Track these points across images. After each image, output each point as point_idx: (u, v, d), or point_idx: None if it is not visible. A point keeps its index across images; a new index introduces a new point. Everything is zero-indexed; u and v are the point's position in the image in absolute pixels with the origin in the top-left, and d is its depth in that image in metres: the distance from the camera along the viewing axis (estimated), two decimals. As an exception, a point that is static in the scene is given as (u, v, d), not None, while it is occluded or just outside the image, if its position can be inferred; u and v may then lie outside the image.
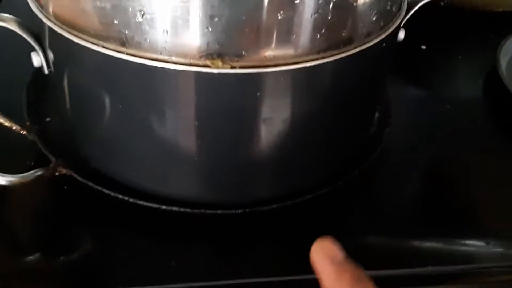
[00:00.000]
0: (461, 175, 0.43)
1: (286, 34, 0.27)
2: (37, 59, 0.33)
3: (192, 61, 0.27)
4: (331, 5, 0.27)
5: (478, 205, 0.40)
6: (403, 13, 0.35)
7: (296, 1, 0.26)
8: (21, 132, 0.38)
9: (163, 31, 0.26)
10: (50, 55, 0.32)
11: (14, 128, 0.37)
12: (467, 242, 0.37)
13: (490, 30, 0.59)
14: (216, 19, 0.26)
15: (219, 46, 0.27)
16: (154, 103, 0.29)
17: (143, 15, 0.26)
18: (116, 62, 0.28)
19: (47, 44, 0.32)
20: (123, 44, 0.27)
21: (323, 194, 0.36)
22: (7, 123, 0.37)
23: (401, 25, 0.35)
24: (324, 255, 0.22)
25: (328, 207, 0.37)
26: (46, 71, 0.33)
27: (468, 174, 0.43)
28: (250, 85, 0.28)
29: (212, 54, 0.27)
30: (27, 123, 0.38)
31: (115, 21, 0.27)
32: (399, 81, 0.52)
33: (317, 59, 0.29)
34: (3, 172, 0.34)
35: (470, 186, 0.41)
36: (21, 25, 0.32)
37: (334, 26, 0.28)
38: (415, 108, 0.49)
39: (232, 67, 0.27)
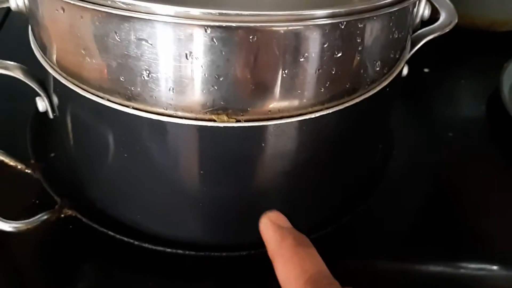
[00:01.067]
0: (467, 201, 0.43)
1: (291, 89, 0.27)
2: (42, 104, 0.33)
3: (198, 116, 0.27)
4: (334, 61, 0.27)
5: (484, 230, 0.40)
6: (407, 54, 0.35)
7: (300, 59, 0.26)
8: (26, 170, 0.38)
9: (169, 89, 0.26)
10: (55, 100, 0.33)
11: (19, 167, 0.38)
12: (474, 266, 0.37)
13: (494, 51, 0.59)
14: (222, 78, 0.26)
15: (224, 103, 0.27)
16: (159, 155, 0.29)
17: (148, 74, 0.26)
18: (121, 115, 0.28)
19: (51, 90, 0.32)
20: (128, 98, 0.27)
21: (326, 233, 0.36)
22: (11, 163, 0.37)
23: (405, 64, 0.35)
24: (271, 223, 0.23)
25: (332, 246, 0.37)
26: (51, 115, 0.33)
27: (474, 200, 0.43)
28: (255, 137, 0.29)
29: (217, 109, 0.27)
30: (32, 161, 0.39)
31: (121, 78, 0.27)
32: (402, 106, 0.52)
33: (321, 109, 0.29)
34: (9, 213, 0.34)
35: (476, 212, 0.42)
36: (25, 72, 0.32)
37: (338, 79, 0.28)
38: (417, 135, 0.49)
39: (237, 121, 0.27)
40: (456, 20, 0.39)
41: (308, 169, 0.31)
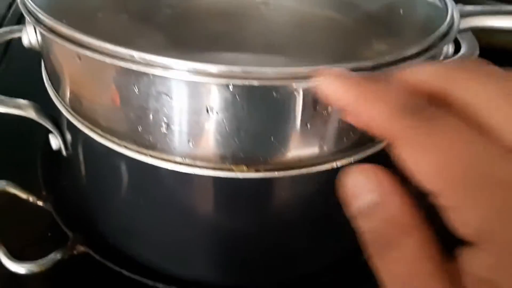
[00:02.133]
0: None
1: (312, 140, 0.26)
2: (55, 142, 0.32)
3: (216, 166, 0.27)
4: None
5: None
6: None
7: (323, 112, 0.25)
8: (37, 202, 0.37)
9: (188, 141, 0.26)
10: (68, 138, 0.32)
11: (30, 199, 0.37)
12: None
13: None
14: (242, 132, 0.25)
15: (244, 154, 0.26)
16: (175, 201, 0.29)
17: (168, 127, 0.25)
18: (138, 162, 0.27)
19: (65, 129, 0.31)
20: (146, 147, 0.27)
21: (342, 273, 0.35)
22: (23, 195, 0.37)
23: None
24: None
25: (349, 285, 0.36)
26: (64, 153, 0.33)
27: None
28: (274, 187, 0.28)
29: (236, 160, 0.26)
30: (43, 193, 0.38)
31: (139, 128, 0.26)
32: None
33: (343, 158, 0.28)
34: (21, 248, 0.33)
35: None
36: (38, 111, 0.31)
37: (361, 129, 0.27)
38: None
39: (257, 171, 0.27)
40: (478, 52, 0.38)
41: (328, 215, 0.31)
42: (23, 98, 0.32)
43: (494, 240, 0.14)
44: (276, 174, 0.27)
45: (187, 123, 0.25)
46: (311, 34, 0.34)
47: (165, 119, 0.25)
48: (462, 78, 0.17)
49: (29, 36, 0.30)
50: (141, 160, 0.27)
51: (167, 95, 0.24)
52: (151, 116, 0.25)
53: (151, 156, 0.27)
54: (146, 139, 0.26)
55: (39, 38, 0.30)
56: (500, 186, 0.14)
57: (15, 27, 0.34)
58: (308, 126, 0.25)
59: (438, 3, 0.33)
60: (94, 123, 0.28)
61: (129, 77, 0.24)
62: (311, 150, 0.27)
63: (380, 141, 0.29)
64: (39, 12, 0.26)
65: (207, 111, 0.24)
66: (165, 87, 0.24)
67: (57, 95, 0.30)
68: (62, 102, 0.30)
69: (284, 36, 0.32)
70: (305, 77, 0.24)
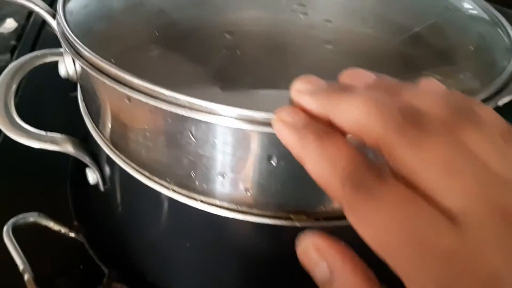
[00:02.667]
0: None
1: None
2: (92, 177, 0.31)
3: (274, 214, 0.25)
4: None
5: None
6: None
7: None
8: (70, 234, 0.35)
9: (246, 190, 0.24)
10: (107, 172, 0.30)
11: (62, 231, 0.35)
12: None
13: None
14: (303, 181, 0.23)
15: (304, 203, 0.24)
16: (224, 246, 0.27)
17: (224, 175, 0.23)
18: (186, 206, 0.25)
19: (104, 164, 0.30)
20: (198, 192, 0.25)
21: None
22: (55, 227, 0.35)
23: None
24: (284, 127, 0.18)
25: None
26: (102, 188, 0.31)
27: None
28: (334, 235, 0.26)
29: (296, 209, 0.24)
30: (75, 223, 0.36)
31: (192, 174, 0.24)
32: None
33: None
34: (55, 284, 0.32)
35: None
36: (76, 145, 0.29)
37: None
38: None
39: (317, 220, 0.25)
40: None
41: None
42: (43, 127, 0.30)
43: None
44: (337, 223, 0.25)
45: (245, 171, 0.23)
46: (361, 61, 0.32)
47: (221, 167, 0.23)
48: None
49: (67, 67, 0.28)
50: (192, 205, 0.25)
51: (225, 143, 0.22)
52: (206, 163, 0.23)
53: (202, 201, 0.25)
54: (198, 185, 0.24)
55: (78, 68, 0.28)
56: (441, 258, 0.14)
57: (47, 51, 0.33)
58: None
59: (492, 22, 0.31)
60: (140, 164, 0.26)
61: (185, 122, 0.22)
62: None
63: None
64: (83, 48, 0.24)
65: (268, 159, 0.23)
66: (223, 135, 0.22)
67: (97, 130, 0.28)
68: (103, 138, 0.28)
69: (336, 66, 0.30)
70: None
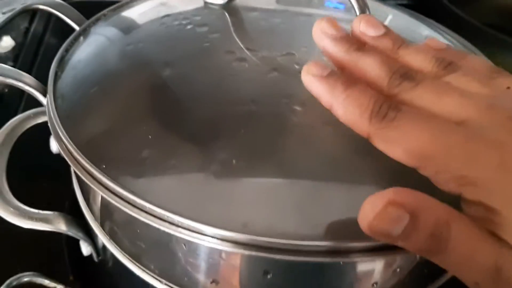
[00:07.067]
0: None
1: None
2: (87, 249, 0.30)
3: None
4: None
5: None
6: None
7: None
8: (65, 291, 0.35)
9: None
10: (100, 246, 0.29)
11: (58, 288, 0.35)
12: None
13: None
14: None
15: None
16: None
17: (217, 284, 0.23)
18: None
19: (97, 241, 0.29)
20: (190, 292, 0.24)
21: None
22: (50, 285, 0.35)
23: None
24: (313, 79, 0.21)
25: None
26: (96, 259, 0.30)
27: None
28: None
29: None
30: (70, 277, 0.36)
31: (185, 279, 0.23)
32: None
33: None
34: None
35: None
36: (69, 222, 0.29)
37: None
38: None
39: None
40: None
41: None
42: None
43: (477, 183, 0.18)
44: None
45: (240, 283, 0.22)
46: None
47: (215, 277, 0.22)
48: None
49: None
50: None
51: (220, 257, 0.22)
52: (200, 272, 0.23)
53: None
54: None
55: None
56: (458, 147, 0.18)
57: (40, 110, 0.31)
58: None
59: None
60: (135, 257, 0.25)
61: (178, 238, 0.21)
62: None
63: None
64: (72, 146, 0.23)
65: (264, 273, 0.22)
66: (217, 251, 0.21)
67: (94, 220, 0.27)
68: (100, 228, 0.27)
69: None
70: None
